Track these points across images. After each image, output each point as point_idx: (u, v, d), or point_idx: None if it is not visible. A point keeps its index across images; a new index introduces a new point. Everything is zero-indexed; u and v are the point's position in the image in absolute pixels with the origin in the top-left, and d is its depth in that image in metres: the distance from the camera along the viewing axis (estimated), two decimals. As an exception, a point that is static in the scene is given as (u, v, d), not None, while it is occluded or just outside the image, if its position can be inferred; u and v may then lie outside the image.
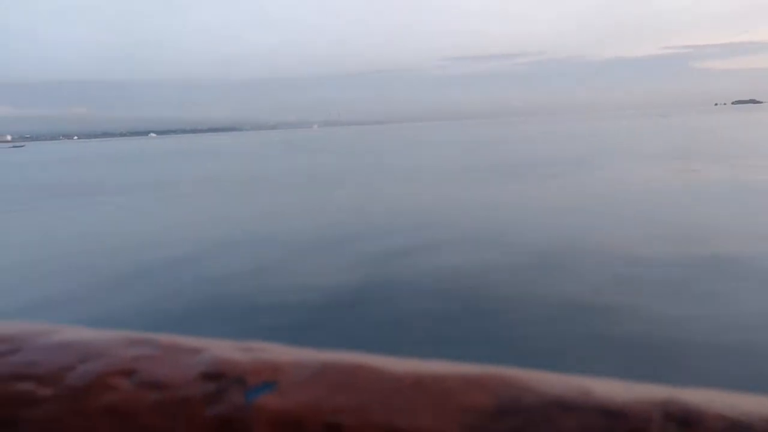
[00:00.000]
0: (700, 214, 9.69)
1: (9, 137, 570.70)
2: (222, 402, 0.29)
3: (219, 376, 0.30)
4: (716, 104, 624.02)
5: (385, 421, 0.27)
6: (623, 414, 0.25)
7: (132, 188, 21.31)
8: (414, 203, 12.68)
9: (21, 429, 0.30)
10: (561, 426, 0.25)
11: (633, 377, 0.28)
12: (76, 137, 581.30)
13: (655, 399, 0.26)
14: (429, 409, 0.27)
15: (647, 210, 10.28)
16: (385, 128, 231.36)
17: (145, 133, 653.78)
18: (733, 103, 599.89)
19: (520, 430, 0.25)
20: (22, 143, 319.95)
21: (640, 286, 6.02)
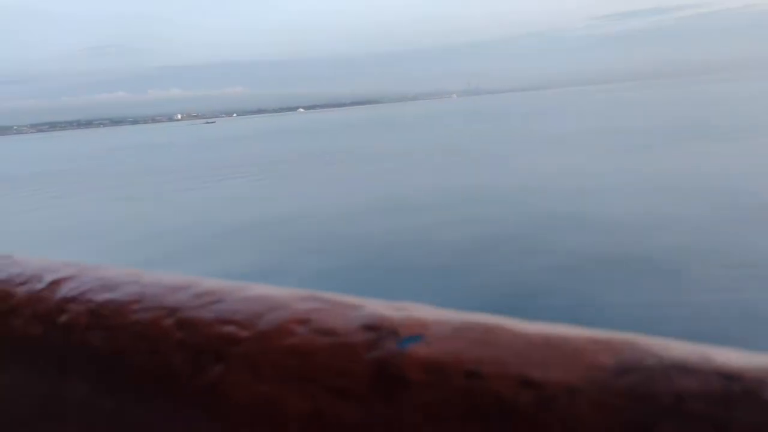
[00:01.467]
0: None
1: (179, 116, 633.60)
2: (380, 348, 0.33)
3: (377, 328, 0.35)
4: None
5: (519, 372, 0.29)
6: (738, 376, 0.26)
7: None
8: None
9: (227, 362, 0.37)
10: (679, 384, 0.26)
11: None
12: (234, 114, 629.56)
13: None
14: (559, 365, 0.29)
15: None
16: (538, 95, 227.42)
17: (294, 108, 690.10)
18: None
19: (640, 386, 0.27)
20: (213, 119, 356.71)
21: None
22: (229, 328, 0.38)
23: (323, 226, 10.96)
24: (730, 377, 0.26)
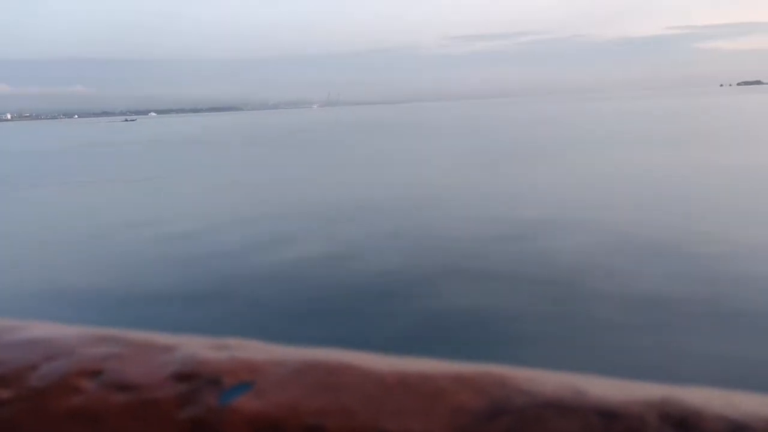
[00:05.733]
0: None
1: (9, 116, 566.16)
2: (195, 404, 0.27)
3: (193, 376, 0.29)
4: (721, 85, 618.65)
5: (371, 424, 0.25)
6: (618, 415, 0.24)
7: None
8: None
9: None
10: (555, 428, 0.24)
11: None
12: (76, 116, 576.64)
13: (651, 399, 0.25)
14: (417, 411, 0.25)
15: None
16: (394, 108, 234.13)
17: (145, 112, 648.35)
18: (738, 84, 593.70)
19: None
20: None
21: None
22: None
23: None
24: (608, 416, 0.24)
